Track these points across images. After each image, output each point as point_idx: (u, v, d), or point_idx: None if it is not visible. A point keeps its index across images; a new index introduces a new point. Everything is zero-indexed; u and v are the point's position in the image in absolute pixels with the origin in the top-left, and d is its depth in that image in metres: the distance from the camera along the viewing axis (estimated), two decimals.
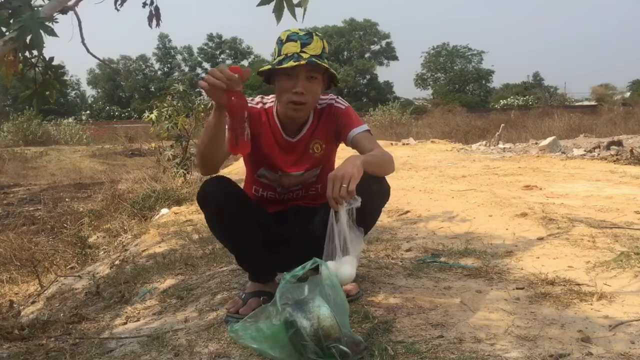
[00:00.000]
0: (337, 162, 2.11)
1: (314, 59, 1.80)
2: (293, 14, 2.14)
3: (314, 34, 1.87)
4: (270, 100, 2.00)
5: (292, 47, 1.83)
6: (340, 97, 2.04)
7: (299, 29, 1.88)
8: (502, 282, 2.12)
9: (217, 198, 1.81)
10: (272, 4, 2.13)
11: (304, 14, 2.14)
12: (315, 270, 1.53)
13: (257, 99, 2.01)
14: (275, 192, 2.06)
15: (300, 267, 1.51)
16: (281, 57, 1.83)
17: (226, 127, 1.69)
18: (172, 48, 52.01)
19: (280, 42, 1.87)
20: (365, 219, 1.90)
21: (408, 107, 29.70)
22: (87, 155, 18.08)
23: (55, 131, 24.79)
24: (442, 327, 1.66)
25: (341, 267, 1.62)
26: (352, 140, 1.93)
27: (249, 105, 1.93)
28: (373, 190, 1.81)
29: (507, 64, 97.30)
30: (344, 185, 1.61)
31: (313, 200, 2.07)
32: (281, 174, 2.01)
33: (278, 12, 2.13)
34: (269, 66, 1.87)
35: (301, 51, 1.82)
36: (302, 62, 1.78)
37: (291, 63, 1.78)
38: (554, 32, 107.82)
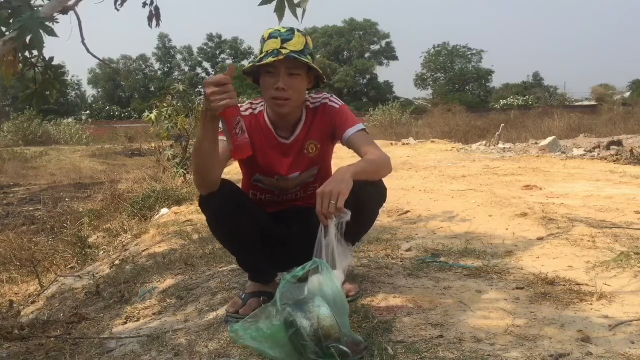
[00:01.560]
0: (334, 162, 2.12)
1: (293, 54, 1.79)
2: (294, 14, 2.14)
3: (296, 30, 1.86)
4: (259, 104, 1.99)
5: (272, 44, 1.82)
6: (334, 96, 2.02)
7: (282, 27, 1.88)
8: (502, 282, 2.12)
9: (214, 201, 1.80)
10: (274, 4, 2.13)
11: (303, 14, 2.14)
12: (316, 270, 1.53)
13: (246, 105, 1.99)
14: (273, 194, 2.05)
15: (300, 267, 1.51)
16: (262, 55, 1.83)
17: (224, 135, 1.67)
18: (172, 48, 52.05)
19: (263, 41, 1.87)
20: (363, 221, 1.90)
21: (408, 107, 29.70)
22: (87, 155, 18.08)
23: (55, 131, 24.78)
24: (442, 327, 1.66)
25: None
26: (348, 141, 1.91)
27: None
28: (369, 193, 1.81)
29: (507, 64, 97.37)
30: (332, 202, 1.60)
31: (312, 199, 2.05)
32: (278, 178, 1.99)
33: (280, 12, 2.12)
34: (251, 64, 1.87)
35: (281, 47, 1.81)
36: (281, 57, 1.77)
37: (270, 59, 1.78)
38: (554, 32, 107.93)
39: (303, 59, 1.82)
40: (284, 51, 1.80)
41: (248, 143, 1.65)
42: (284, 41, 1.82)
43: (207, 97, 1.56)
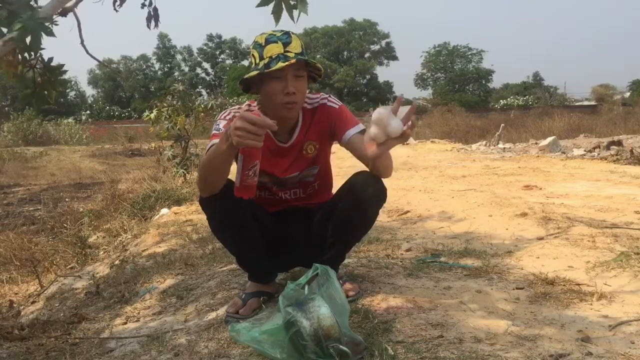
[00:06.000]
0: (335, 162, 2.11)
1: (300, 57, 1.78)
2: (291, 16, 2.14)
3: (290, 32, 1.84)
4: (256, 107, 1.95)
5: (275, 49, 1.79)
6: (332, 96, 2.01)
7: (273, 31, 1.84)
8: (502, 282, 2.12)
9: (215, 200, 1.80)
10: (271, 5, 2.14)
11: (299, 15, 2.15)
12: (316, 276, 1.54)
13: (244, 107, 1.96)
14: (271, 191, 2.04)
15: (303, 276, 1.52)
16: (265, 61, 1.79)
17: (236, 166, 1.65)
18: (172, 47, 51.99)
19: (260, 46, 1.81)
20: (363, 221, 1.90)
21: None
22: (87, 155, 18.07)
23: (55, 131, 24.78)
24: (442, 327, 1.66)
25: (392, 119, 1.53)
26: (349, 141, 1.89)
27: (236, 113, 1.91)
28: (370, 194, 1.81)
29: (507, 64, 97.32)
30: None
31: (311, 200, 2.06)
32: (276, 178, 1.99)
33: (277, 14, 2.13)
34: (256, 72, 1.80)
35: (285, 51, 1.78)
36: (292, 60, 1.75)
37: (280, 64, 1.75)
38: (554, 32, 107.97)
39: (309, 60, 1.82)
40: (290, 54, 1.77)
41: (255, 186, 1.64)
42: (285, 44, 1.79)
43: (235, 129, 1.49)
